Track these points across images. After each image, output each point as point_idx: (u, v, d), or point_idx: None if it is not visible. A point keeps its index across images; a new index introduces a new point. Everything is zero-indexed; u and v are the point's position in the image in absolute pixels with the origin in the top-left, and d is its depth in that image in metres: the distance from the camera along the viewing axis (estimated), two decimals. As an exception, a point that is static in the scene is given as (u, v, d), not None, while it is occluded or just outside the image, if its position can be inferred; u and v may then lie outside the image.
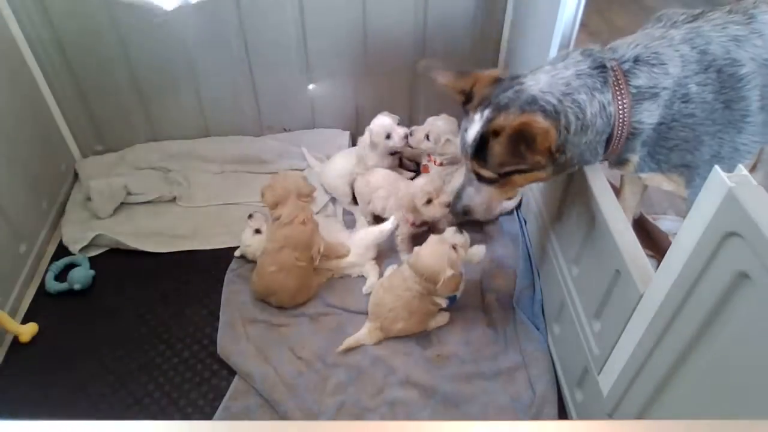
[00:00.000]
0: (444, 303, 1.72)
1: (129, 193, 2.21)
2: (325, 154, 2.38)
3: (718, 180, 0.86)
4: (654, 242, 1.90)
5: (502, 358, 1.69)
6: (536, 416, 1.55)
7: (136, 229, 2.11)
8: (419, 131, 2.09)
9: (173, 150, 2.40)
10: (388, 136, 2.11)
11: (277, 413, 1.58)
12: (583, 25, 1.62)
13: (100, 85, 2.24)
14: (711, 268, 0.91)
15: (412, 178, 2.26)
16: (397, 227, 1.98)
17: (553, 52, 1.64)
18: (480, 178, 1.38)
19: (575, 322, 1.49)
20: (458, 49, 2.24)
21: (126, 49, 2.15)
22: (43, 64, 2.13)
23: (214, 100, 2.36)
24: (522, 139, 1.19)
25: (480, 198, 1.43)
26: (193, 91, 2.32)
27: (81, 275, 1.92)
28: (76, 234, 2.07)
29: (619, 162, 1.35)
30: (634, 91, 1.22)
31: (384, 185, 2.05)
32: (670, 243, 1.09)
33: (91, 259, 2.02)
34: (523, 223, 2.07)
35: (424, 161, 2.23)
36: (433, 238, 1.68)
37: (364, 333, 1.74)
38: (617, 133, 1.25)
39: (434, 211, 1.88)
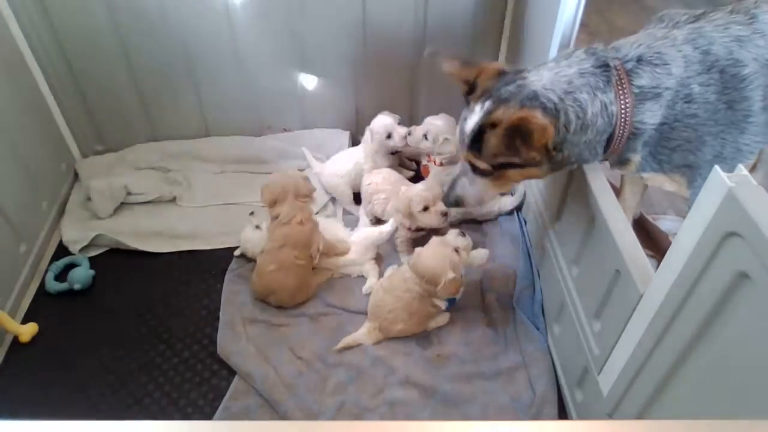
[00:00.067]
0: (443, 305, 1.72)
1: (129, 193, 2.20)
2: (325, 154, 2.38)
3: (718, 180, 0.86)
4: (654, 242, 1.90)
5: (502, 358, 1.69)
6: (536, 416, 1.55)
7: (136, 229, 2.11)
8: (417, 131, 2.09)
9: (173, 150, 2.40)
10: (389, 136, 2.11)
11: (277, 413, 1.58)
12: (583, 25, 1.62)
13: (100, 85, 2.24)
14: (711, 268, 0.91)
15: (411, 178, 2.27)
16: (396, 230, 1.98)
17: (553, 52, 1.64)
18: (475, 170, 1.38)
19: (575, 322, 1.49)
20: (458, 49, 2.24)
21: (126, 49, 2.15)
22: (43, 64, 2.13)
23: (214, 100, 2.35)
24: (518, 133, 1.19)
25: (473, 189, 1.43)
26: (193, 91, 2.32)
27: (81, 275, 1.92)
28: (76, 234, 2.07)
29: (621, 162, 1.35)
30: (636, 90, 1.22)
31: (384, 188, 2.05)
32: (670, 243, 1.09)
33: (91, 259, 2.02)
34: (523, 223, 2.07)
35: (424, 162, 2.23)
36: (435, 240, 1.68)
37: (363, 333, 1.74)
38: (618, 132, 1.25)
39: (430, 219, 1.87)
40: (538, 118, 1.18)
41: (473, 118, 1.29)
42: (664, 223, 2.02)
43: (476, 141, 1.29)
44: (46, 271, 1.97)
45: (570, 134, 1.22)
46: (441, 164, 2.10)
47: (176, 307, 1.89)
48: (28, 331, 1.77)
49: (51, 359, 1.74)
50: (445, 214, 1.87)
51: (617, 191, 1.67)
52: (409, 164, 2.38)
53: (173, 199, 2.26)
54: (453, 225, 2.05)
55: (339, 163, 2.23)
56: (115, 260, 2.05)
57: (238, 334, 1.77)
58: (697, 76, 1.20)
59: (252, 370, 1.65)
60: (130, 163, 2.36)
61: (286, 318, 1.84)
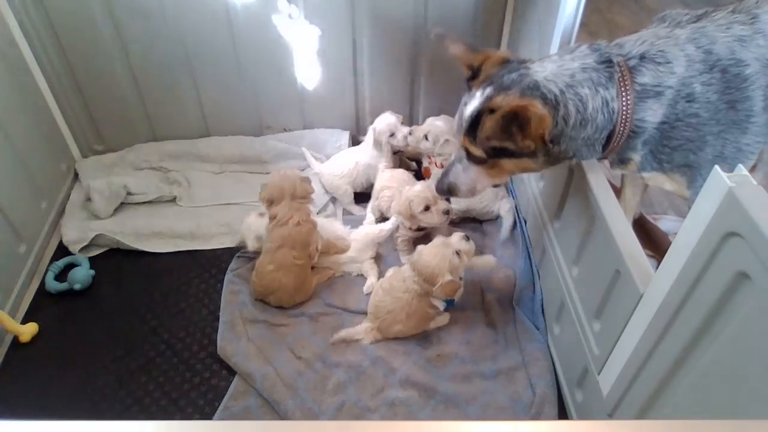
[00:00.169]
0: (441, 306, 1.72)
1: (129, 193, 2.20)
2: (325, 154, 2.39)
3: (719, 180, 0.86)
4: (654, 242, 1.90)
5: (502, 358, 1.69)
6: (536, 416, 1.54)
7: (136, 229, 2.11)
8: (418, 131, 2.09)
9: (173, 150, 2.40)
10: (391, 135, 2.12)
11: (277, 413, 1.58)
12: (583, 24, 1.62)
13: (100, 85, 2.24)
14: (711, 268, 0.91)
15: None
16: (397, 228, 1.98)
17: (554, 51, 1.64)
18: (470, 156, 1.37)
19: (575, 322, 1.49)
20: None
21: (126, 49, 2.15)
22: (43, 65, 2.13)
23: (214, 100, 2.35)
24: (515, 119, 1.19)
25: (466, 177, 1.42)
26: (193, 91, 2.31)
27: (81, 275, 1.92)
28: (76, 234, 2.07)
29: (621, 161, 1.35)
30: (638, 88, 1.22)
31: (391, 185, 2.06)
32: (670, 243, 1.09)
33: (91, 259, 2.02)
34: (523, 223, 2.07)
35: (425, 163, 2.23)
36: (438, 240, 1.68)
37: (361, 329, 1.75)
38: (619, 130, 1.25)
39: (432, 218, 1.87)
40: (537, 107, 1.18)
41: (473, 103, 1.29)
42: (664, 223, 2.02)
43: (474, 127, 1.29)
44: (46, 271, 1.97)
45: (569, 128, 1.22)
46: (441, 165, 2.10)
47: (176, 307, 1.89)
48: (28, 331, 1.77)
49: (51, 359, 1.74)
50: (447, 212, 1.87)
51: (617, 191, 1.67)
52: (409, 164, 2.38)
53: (173, 199, 2.26)
54: (454, 223, 2.06)
55: (339, 163, 2.23)
56: (115, 260, 2.05)
57: (238, 334, 1.77)
58: (699, 76, 1.20)
59: (252, 370, 1.65)
60: (130, 163, 2.36)
61: (286, 318, 1.84)
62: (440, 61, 2.25)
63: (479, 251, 2.00)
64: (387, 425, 0.72)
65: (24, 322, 1.81)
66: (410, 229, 1.95)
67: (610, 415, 1.29)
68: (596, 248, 1.40)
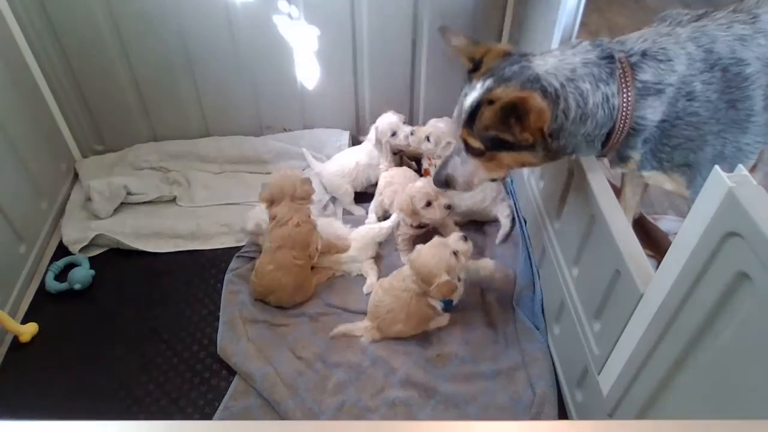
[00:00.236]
0: (439, 306, 1.72)
1: (129, 193, 2.20)
2: (325, 154, 2.38)
3: (719, 180, 0.86)
4: (654, 242, 1.90)
5: (502, 358, 1.69)
6: (536, 416, 1.54)
7: (136, 229, 2.11)
8: (420, 131, 2.10)
9: (173, 150, 2.40)
10: (393, 134, 2.12)
11: (277, 413, 1.58)
12: (583, 24, 1.62)
13: (100, 85, 2.24)
14: (711, 268, 0.91)
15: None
16: (398, 227, 1.98)
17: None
18: (468, 148, 1.37)
19: (575, 322, 1.49)
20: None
21: (126, 49, 2.15)
22: (43, 64, 2.13)
23: (214, 100, 2.35)
24: (514, 111, 1.18)
25: (464, 169, 1.41)
26: (193, 91, 2.31)
27: (81, 275, 1.92)
28: (76, 234, 2.07)
29: (621, 159, 1.35)
30: (639, 85, 1.22)
31: (395, 182, 2.07)
32: (670, 243, 1.08)
33: (91, 259, 2.02)
34: (523, 223, 2.07)
35: (425, 165, 2.23)
36: (436, 240, 1.68)
37: (360, 326, 1.75)
38: (619, 127, 1.25)
39: (434, 214, 1.87)
40: (537, 100, 1.18)
41: (473, 94, 1.29)
42: (664, 223, 2.02)
43: (473, 118, 1.28)
44: (46, 271, 1.96)
45: (569, 122, 1.22)
46: (441, 166, 2.11)
47: (176, 307, 1.89)
48: (28, 331, 1.77)
49: (51, 359, 1.74)
50: (448, 207, 1.87)
51: (617, 191, 1.67)
52: (409, 164, 2.38)
53: (173, 199, 2.26)
54: (458, 224, 2.06)
55: (339, 163, 2.23)
56: (115, 260, 2.05)
57: (238, 334, 1.77)
58: (699, 74, 1.20)
59: (252, 370, 1.65)
60: (130, 163, 2.36)
61: (286, 318, 1.84)
62: (440, 61, 2.25)
63: (480, 252, 2.00)
64: (387, 425, 0.72)
65: (24, 322, 1.81)
66: (411, 226, 1.95)
67: (610, 415, 1.29)
68: (596, 248, 1.40)
